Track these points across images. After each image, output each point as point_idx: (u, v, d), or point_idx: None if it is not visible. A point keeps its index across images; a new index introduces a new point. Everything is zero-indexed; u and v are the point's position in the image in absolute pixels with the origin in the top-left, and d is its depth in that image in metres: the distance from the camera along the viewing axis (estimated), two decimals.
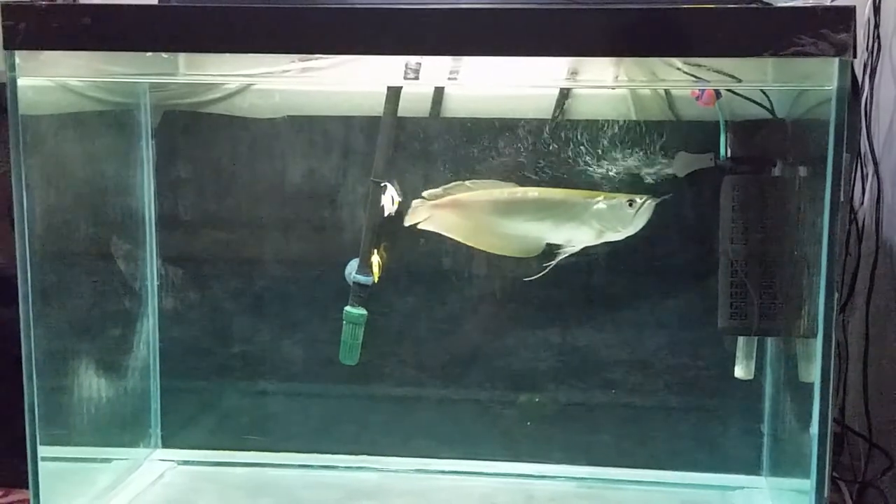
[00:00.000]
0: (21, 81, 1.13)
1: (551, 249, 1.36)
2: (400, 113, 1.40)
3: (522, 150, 1.39)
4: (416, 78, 1.23)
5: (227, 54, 1.14)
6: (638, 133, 1.36)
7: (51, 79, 1.25)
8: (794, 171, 1.26)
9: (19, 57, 1.12)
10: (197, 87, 1.45)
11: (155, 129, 1.46)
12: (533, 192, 1.35)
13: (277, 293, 1.48)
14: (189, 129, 1.47)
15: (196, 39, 1.10)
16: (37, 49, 1.12)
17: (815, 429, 1.08)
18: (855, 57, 1.02)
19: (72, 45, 1.11)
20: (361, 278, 1.43)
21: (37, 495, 1.20)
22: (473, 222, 1.36)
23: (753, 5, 1.07)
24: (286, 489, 1.41)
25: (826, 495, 1.08)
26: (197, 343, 1.50)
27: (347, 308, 1.44)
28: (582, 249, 1.39)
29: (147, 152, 1.46)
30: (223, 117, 1.46)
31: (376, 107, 1.40)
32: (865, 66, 1.46)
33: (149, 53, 1.14)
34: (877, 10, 1.45)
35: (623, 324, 1.43)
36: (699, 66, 1.15)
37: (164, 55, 1.16)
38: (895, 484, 1.39)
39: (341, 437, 1.49)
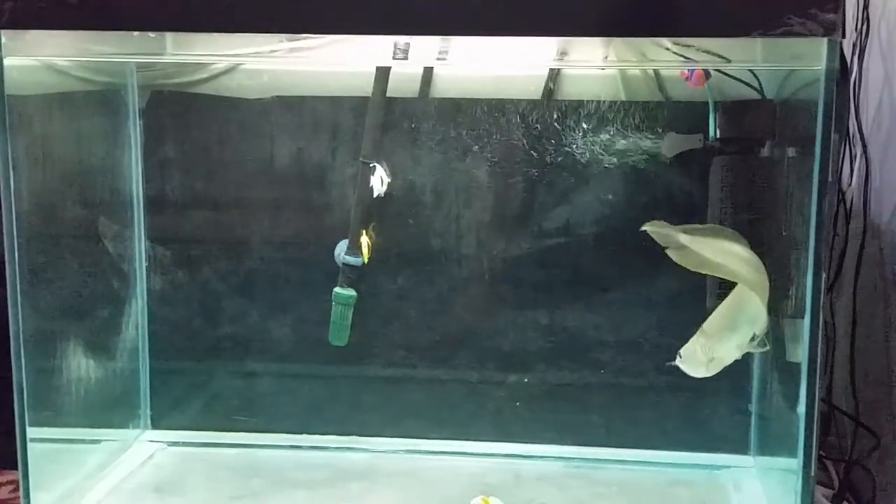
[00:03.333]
0: (7, 61, 1.13)
1: None
2: (388, 93, 1.40)
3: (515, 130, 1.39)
4: (405, 58, 1.23)
5: (215, 34, 1.13)
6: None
7: (37, 58, 1.24)
8: (783, 152, 1.26)
9: (5, 36, 1.12)
10: (185, 66, 1.44)
11: (142, 109, 1.45)
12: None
13: (266, 274, 1.48)
14: (177, 110, 1.46)
15: (183, 19, 1.09)
16: (23, 28, 1.11)
17: (802, 408, 1.08)
18: (844, 37, 1.02)
19: (58, 25, 1.10)
20: (351, 259, 1.43)
21: (26, 476, 1.20)
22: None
23: None
24: (276, 469, 1.41)
25: (813, 474, 1.09)
26: (186, 324, 1.49)
27: (337, 289, 1.44)
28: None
29: (135, 132, 1.45)
30: (211, 97, 1.45)
31: (365, 87, 1.40)
32: (854, 46, 1.46)
33: (136, 33, 1.13)
34: None
35: (611, 304, 1.44)
36: (688, 46, 1.15)
37: (152, 35, 1.16)
38: (882, 462, 1.40)
39: (331, 417, 1.50)
